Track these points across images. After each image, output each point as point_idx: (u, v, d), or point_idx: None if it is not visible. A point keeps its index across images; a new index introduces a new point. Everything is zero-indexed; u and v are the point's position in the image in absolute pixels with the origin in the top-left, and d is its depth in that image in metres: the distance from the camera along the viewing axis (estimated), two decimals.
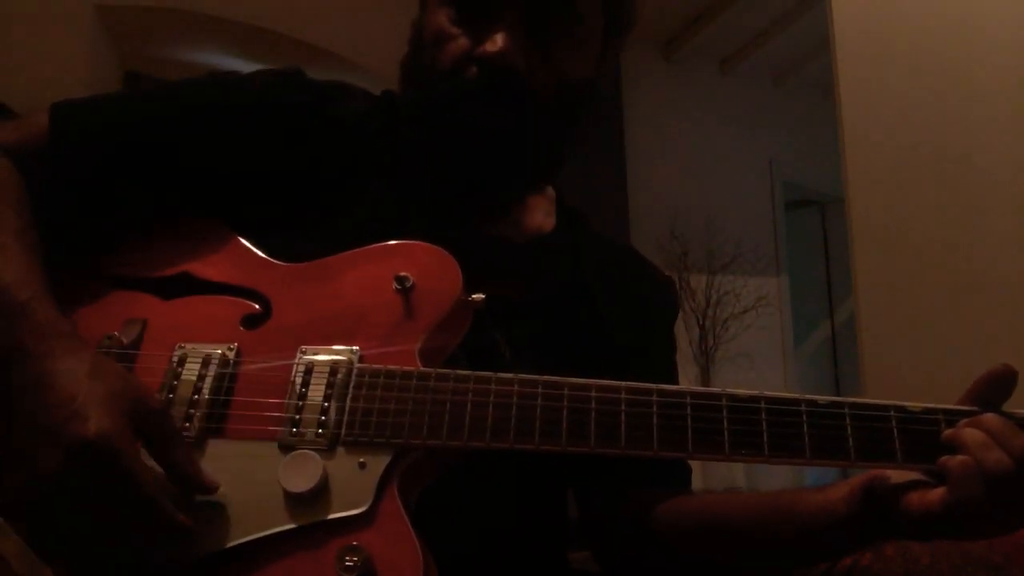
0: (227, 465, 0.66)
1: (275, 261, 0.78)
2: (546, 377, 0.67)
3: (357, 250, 0.75)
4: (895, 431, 0.62)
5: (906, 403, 0.64)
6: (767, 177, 4.31)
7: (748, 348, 3.75)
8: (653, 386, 0.66)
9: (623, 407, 0.65)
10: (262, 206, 0.82)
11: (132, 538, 0.61)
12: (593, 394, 0.65)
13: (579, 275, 0.91)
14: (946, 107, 2.02)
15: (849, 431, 0.63)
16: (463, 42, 0.80)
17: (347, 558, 0.61)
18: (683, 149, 4.06)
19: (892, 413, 0.63)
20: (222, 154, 0.82)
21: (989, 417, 0.62)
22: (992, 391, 0.64)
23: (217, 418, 0.68)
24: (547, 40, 0.80)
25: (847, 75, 2.23)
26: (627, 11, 0.88)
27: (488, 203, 0.88)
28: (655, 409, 0.65)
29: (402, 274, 0.71)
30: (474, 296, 0.73)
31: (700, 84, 4.23)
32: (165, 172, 0.82)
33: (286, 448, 0.66)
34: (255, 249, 0.79)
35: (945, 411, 0.63)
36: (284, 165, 0.83)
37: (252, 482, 0.65)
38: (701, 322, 3.65)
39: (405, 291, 0.71)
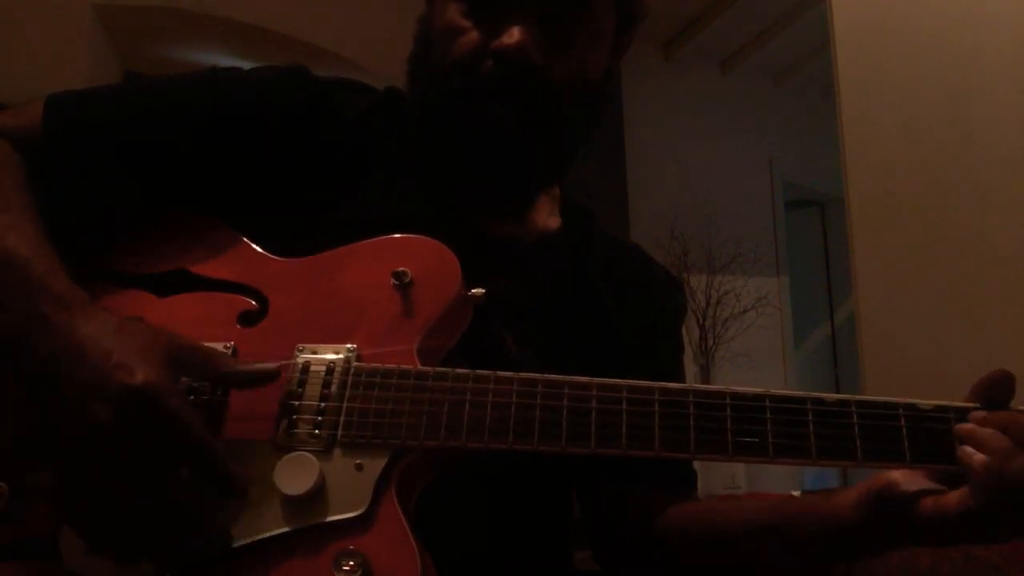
0: None
1: (272, 257, 0.77)
2: (546, 376, 0.65)
3: (355, 244, 0.74)
4: (904, 430, 0.61)
5: (916, 400, 0.62)
6: (767, 177, 4.30)
7: (748, 348, 3.75)
8: (655, 384, 0.64)
9: (624, 406, 0.63)
10: (262, 203, 0.81)
11: (183, 494, 0.61)
12: (594, 393, 0.64)
13: (585, 275, 0.90)
14: (946, 107, 2.02)
15: (856, 431, 0.61)
16: (476, 36, 0.78)
17: (344, 562, 0.60)
18: (683, 149, 4.05)
19: (901, 411, 0.61)
20: (219, 150, 0.80)
21: (1009, 415, 0.60)
22: (993, 394, 0.62)
23: (214, 419, 0.67)
24: (562, 33, 0.79)
25: (847, 75, 2.23)
26: (637, 4, 0.87)
27: (501, 202, 0.87)
28: (657, 408, 0.63)
29: (400, 269, 0.70)
30: (474, 291, 0.71)
31: (700, 84, 4.22)
32: (160, 167, 0.80)
33: (282, 449, 0.65)
34: (252, 245, 0.78)
35: (956, 409, 0.62)
36: (284, 162, 0.82)
37: (248, 484, 0.64)
38: (701, 322, 3.65)
39: (403, 287, 0.70)
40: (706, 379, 3.58)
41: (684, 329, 1.04)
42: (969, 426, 0.60)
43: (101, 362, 0.59)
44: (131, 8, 3.05)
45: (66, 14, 2.86)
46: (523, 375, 0.66)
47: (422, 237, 0.73)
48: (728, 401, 0.63)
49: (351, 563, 0.60)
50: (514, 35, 0.76)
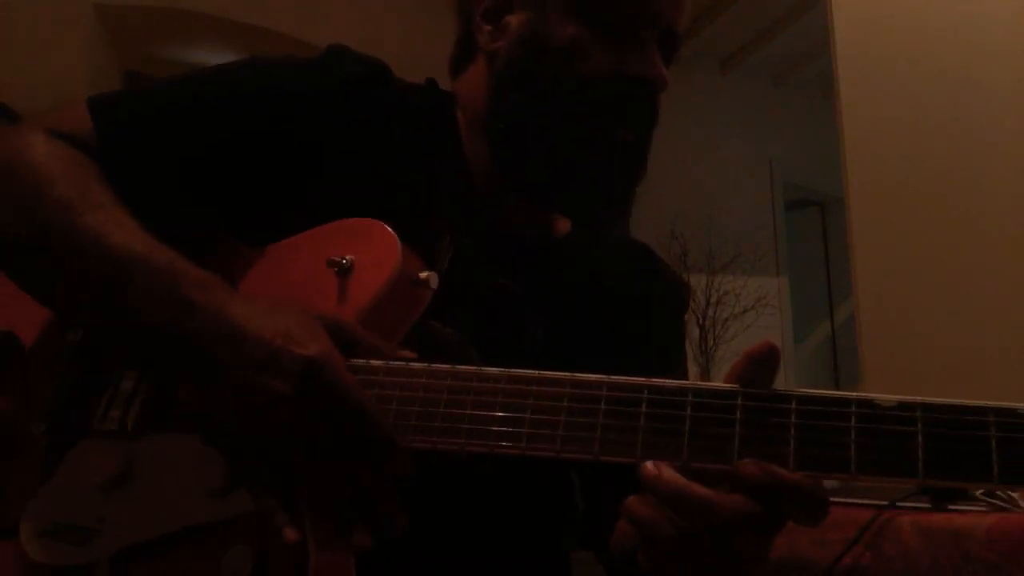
0: (159, 459, 0.65)
1: (243, 246, 0.75)
2: (507, 371, 0.59)
3: (309, 231, 0.72)
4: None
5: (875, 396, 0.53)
6: (767, 177, 4.31)
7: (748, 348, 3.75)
8: (644, 381, 0.56)
9: (602, 405, 0.56)
10: (305, 196, 0.78)
11: (357, 466, 0.58)
12: (567, 391, 0.57)
13: (595, 275, 0.91)
14: (946, 107, 2.02)
15: (793, 430, 0.52)
16: (607, 58, 0.80)
17: (237, 556, 0.58)
18: (683, 149, 4.05)
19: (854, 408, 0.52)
20: (276, 143, 0.77)
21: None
22: (753, 373, 0.56)
23: (157, 411, 0.67)
24: (667, 61, 0.84)
25: (847, 75, 2.23)
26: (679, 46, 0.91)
27: (604, 219, 0.88)
28: (644, 408, 0.55)
29: (335, 257, 0.67)
30: (423, 274, 0.67)
31: (700, 84, 4.23)
32: (224, 166, 0.77)
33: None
34: (228, 235, 0.76)
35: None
36: (332, 149, 0.79)
37: (178, 476, 0.63)
38: (701, 322, 3.65)
39: (342, 272, 0.67)
40: (706, 379, 3.57)
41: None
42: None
43: (268, 339, 0.57)
44: (131, 8, 3.05)
45: (66, 14, 2.86)
46: (459, 368, 0.60)
47: (366, 220, 0.69)
48: (690, 399, 0.55)
49: (242, 557, 0.59)
50: (658, 66, 0.80)
